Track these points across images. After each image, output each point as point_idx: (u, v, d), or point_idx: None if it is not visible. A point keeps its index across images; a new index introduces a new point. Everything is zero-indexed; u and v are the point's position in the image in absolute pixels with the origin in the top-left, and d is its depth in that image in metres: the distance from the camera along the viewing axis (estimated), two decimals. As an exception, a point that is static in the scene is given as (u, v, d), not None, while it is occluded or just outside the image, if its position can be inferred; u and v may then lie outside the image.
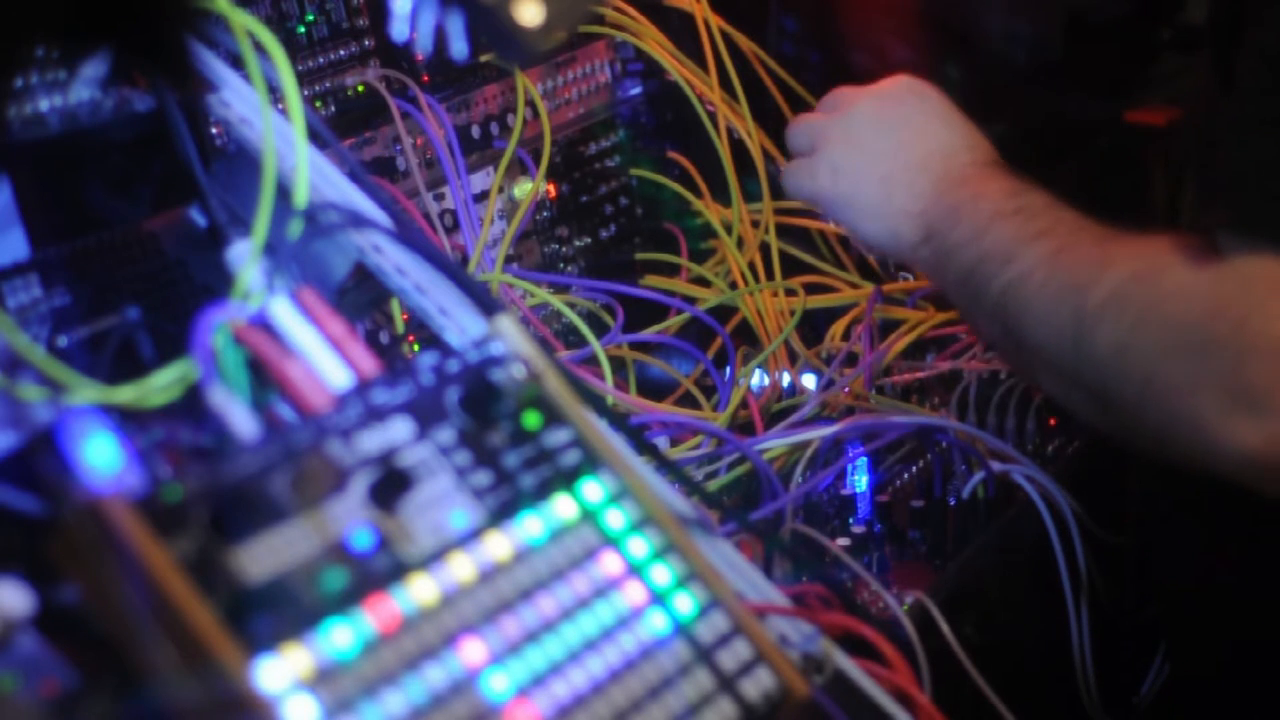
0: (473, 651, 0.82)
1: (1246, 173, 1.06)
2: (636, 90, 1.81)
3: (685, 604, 0.90)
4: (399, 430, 0.88)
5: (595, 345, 1.49)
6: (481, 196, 1.60)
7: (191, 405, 0.89)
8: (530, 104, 1.64)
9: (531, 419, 0.92)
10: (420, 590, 0.82)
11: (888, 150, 1.29)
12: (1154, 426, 1.06)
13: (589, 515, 0.91)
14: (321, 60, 1.51)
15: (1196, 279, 1.04)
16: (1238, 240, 1.03)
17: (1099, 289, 1.08)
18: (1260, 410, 1.00)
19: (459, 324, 1.04)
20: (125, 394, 0.90)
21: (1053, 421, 1.50)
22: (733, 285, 1.69)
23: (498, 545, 0.87)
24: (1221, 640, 1.31)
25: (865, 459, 1.38)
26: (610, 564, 0.89)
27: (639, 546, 0.91)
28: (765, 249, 1.72)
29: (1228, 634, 1.29)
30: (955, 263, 1.20)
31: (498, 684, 0.82)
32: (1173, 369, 1.04)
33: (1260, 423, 1.00)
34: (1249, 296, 1.02)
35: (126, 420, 0.90)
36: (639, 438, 1.03)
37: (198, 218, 1.09)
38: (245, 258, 0.95)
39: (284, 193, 1.00)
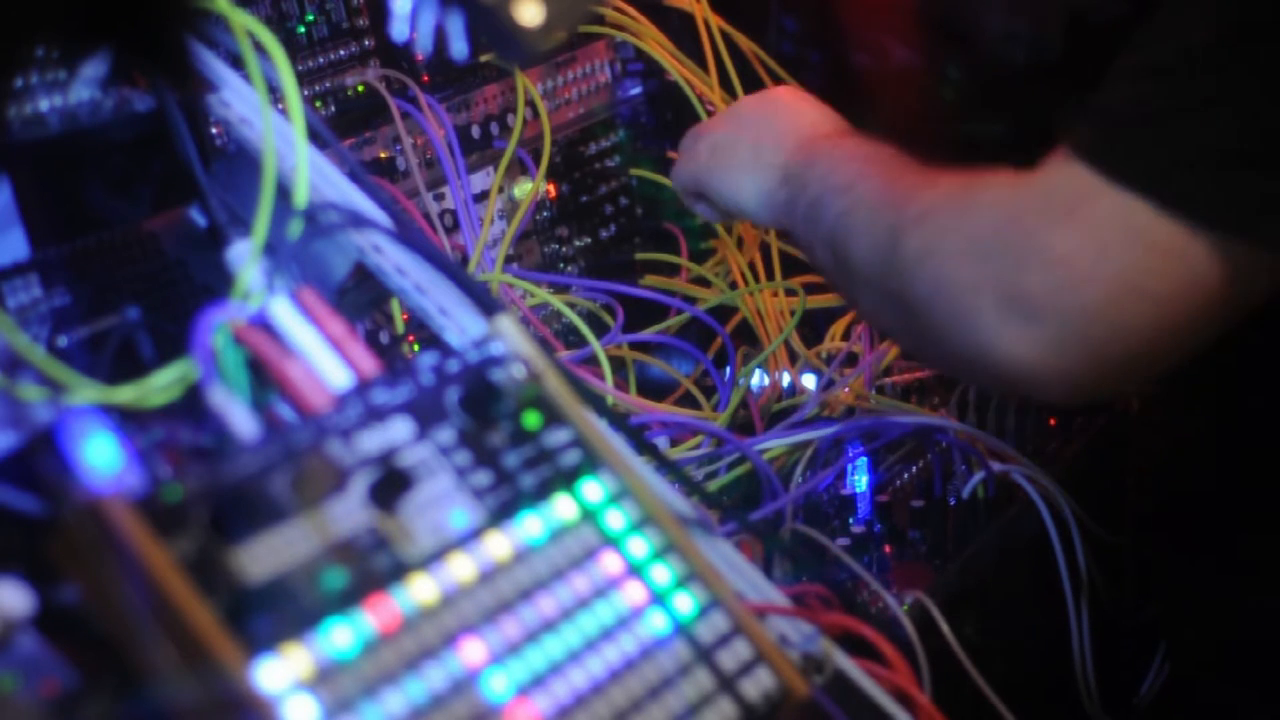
0: (473, 651, 0.82)
1: (1101, 106, 1.09)
2: (636, 90, 1.81)
3: (685, 604, 0.90)
4: (399, 430, 0.88)
5: (595, 345, 1.49)
6: (481, 196, 1.60)
7: (191, 405, 0.89)
8: (530, 104, 1.64)
9: (531, 419, 0.92)
10: (420, 590, 0.82)
11: (759, 123, 1.39)
12: (940, 328, 1.11)
13: (589, 515, 0.91)
14: (321, 60, 1.52)
15: (1006, 191, 1.10)
16: (1068, 158, 1.07)
17: (918, 202, 1.14)
18: (1032, 318, 1.05)
19: (459, 324, 1.04)
20: (125, 394, 0.90)
21: (1053, 421, 1.50)
22: (733, 285, 1.69)
23: (498, 545, 0.86)
24: (1221, 640, 1.30)
25: (865, 459, 1.38)
26: (610, 564, 0.89)
27: (639, 546, 0.91)
28: (765, 249, 1.72)
29: (1227, 634, 1.29)
30: (804, 198, 1.28)
31: (498, 684, 0.81)
32: (961, 270, 1.09)
33: (1031, 330, 1.05)
34: (1046, 212, 1.07)
35: (126, 420, 0.89)
36: (639, 438, 1.03)
37: (198, 218, 1.09)
38: (245, 258, 0.95)
39: (284, 193, 1.00)
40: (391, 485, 0.85)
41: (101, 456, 0.83)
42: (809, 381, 1.57)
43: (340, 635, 0.78)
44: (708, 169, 1.41)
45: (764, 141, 1.36)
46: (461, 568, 0.84)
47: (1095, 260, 1.04)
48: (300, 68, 1.49)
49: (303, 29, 1.50)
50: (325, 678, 0.77)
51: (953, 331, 1.10)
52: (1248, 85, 1.04)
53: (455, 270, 1.05)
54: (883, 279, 1.16)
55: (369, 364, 0.91)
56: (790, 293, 1.68)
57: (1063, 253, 1.05)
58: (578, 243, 1.72)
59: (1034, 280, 1.05)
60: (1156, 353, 1.07)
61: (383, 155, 1.52)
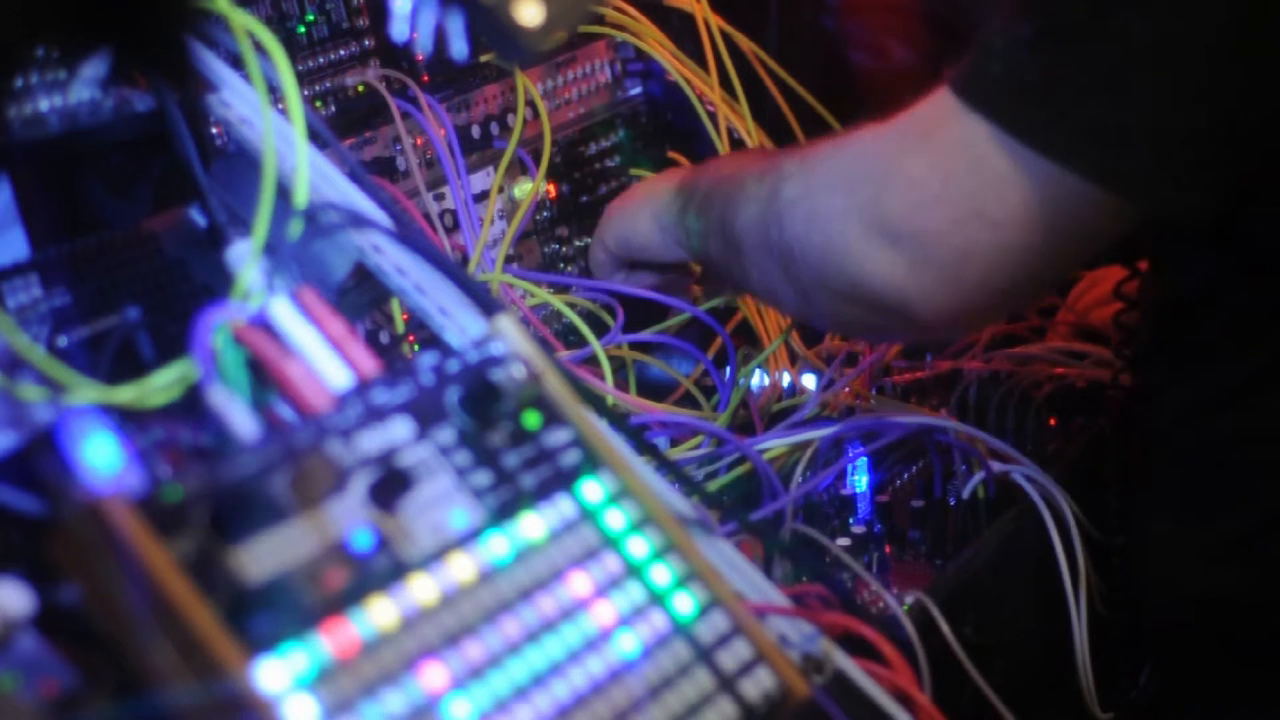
0: (472, 652, 0.82)
1: (980, 39, 1.13)
2: (636, 90, 1.81)
3: (685, 604, 0.90)
4: (399, 430, 0.88)
5: (595, 345, 1.48)
6: (481, 196, 1.60)
7: (191, 405, 0.89)
8: (530, 104, 1.64)
9: (531, 419, 0.92)
10: (420, 590, 0.82)
11: (639, 191, 1.49)
12: (816, 266, 1.18)
13: (589, 515, 0.91)
14: (321, 60, 1.51)
15: (882, 125, 1.16)
16: (947, 94, 1.13)
17: (793, 158, 1.23)
18: (893, 240, 1.12)
19: (459, 324, 1.04)
20: (125, 394, 0.90)
21: (1053, 421, 1.50)
22: (733, 285, 1.69)
23: (498, 545, 0.86)
24: (1220, 640, 1.30)
25: (865, 459, 1.38)
26: (610, 564, 0.89)
27: (639, 546, 0.91)
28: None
29: (1210, 615, 1.29)
30: (694, 202, 1.36)
31: (499, 683, 0.82)
32: (832, 201, 1.16)
33: (893, 252, 1.12)
34: (906, 138, 1.14)
35: (126, 420, 0.89)
36: (639, 438, 1.03)
37: (198, 218, 1.09)
38: (245, 258, 0.95)
39: (284, 193, 0.99)
40: (391, 485, 0.85)
41: (101, 456, 0.83)
42: (809, 381, 1.57)
43: (341, 635, 0.78)
44: (608, 233, 1.49)
45: (655, 190, 1.44)
46: (461, 568, 0.84)
47: (943, 183, 1.11)
48: (300, 68, 1.49)
49: (303, 29, 1.50)
50: (325, 677, 0.77)
51: (827, 265, 1.16)
52: (1089, 20, 1.08)
53: (455, 270, 1.05)
54: (763, 233, 1.23)
55: (369, 364, 0.91)
56: (790, 293, 1.67)
57: (916, 175, 1.12)
58: (578, 243, 1.72)
59: (892, 201, 1.12)
60: (1007, 280, 1.13)
61: (383, 155, 1.52)
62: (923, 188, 1.11)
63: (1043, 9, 1.10)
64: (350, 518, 0.83)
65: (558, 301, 1.57)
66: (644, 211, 1.44)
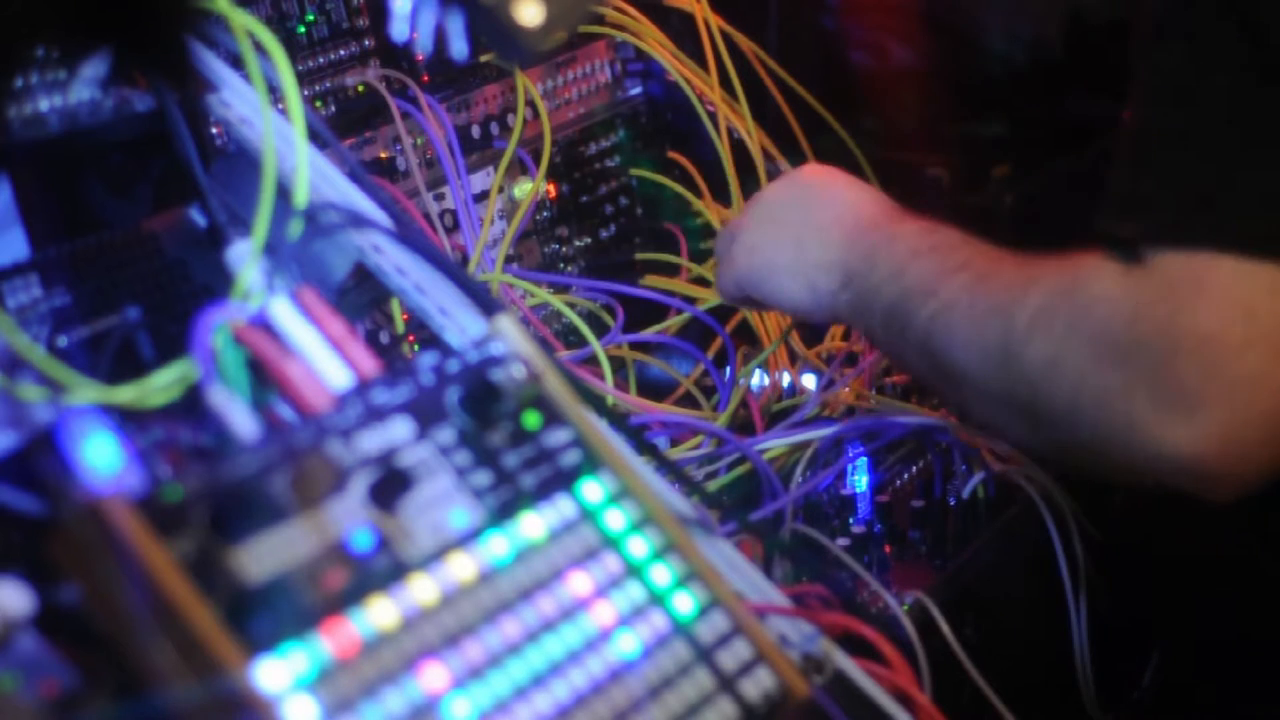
0: (473, 652, 0.82)
1: (1158, 186, 1.05)
2: (636, 90, 1.81)
3: (685, 604, 0.90)
4: (399, 430, 0.88)
5: (595, 345, 1.49)
6: (481, 196, 1.60)
7: (191, 405, 0.89)
8: (530, 104, 1.64)
9: (531, 419, 0.92)
10: (420, 590, 0.82)
11: (796, 217, 1.30)
12: (1088, 438, 1.05)
13: (589, 515, 0.91)
14: (321, 60, 1.51)
15: (1121, 286, 1.03)
16: (1155, 249, 1.02)
17: (1025, 307, 1.07)
18: (1191, 409, 1.00)
19: (459, 324, 1.04)
20: (125, 394, 0.90)
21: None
22: (733, 285, 1.69)
23: (498, 545, 0.86)
24: (1220, 640, 1.30)
25: (865, 459, 1.38)
26: (610, 564, 0.89)
27: (639, 546, 0.91)
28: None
29: (1227, 634, 1.29)
30: (878, 303, 1.20)
31: (497, 684, 0.82)
32: (1102, 376, 1.03)
33: (1192, 422, 1.00)
34: (1172, 297, 1.01)
35: (126, 420, 0.89)
36: (639, 438, 1.03)
37: (198, 218, 1.09)
38: (245, 258, 0.95)
39: (284, 193, 0.99)
40: (391, 485, 0.85)
41: (101, 456, 0.83)
42: (809, 381, 1.57)
43: (341, 635, 0.78)
44: (750, 274, 1.33)
45: (806, 238, 1.28)
46: (461, 568, 0.84)
47: (1244, 326, 1.00)
48: (300, 68, 1.49)
49: (303, 29, 1.50)
50: (325, 677, 0.77)
51: (1107, 442, 1.04)
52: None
53: (455, 270, 1.05)
54: (1004, 391, 1.10)
55: (369, 364, 0.91)
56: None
57: (1208, 330, 1.00)
58: (578, 243, 1.72)
59: (1186, 366, 1.00)
60: None
61: (383, 155, 1.52)
62: (1220, 340, 1.00)
63: (1233, 121, 1.03)
64: (350, 518, 0.83)
65: (558, 301, 1.57)
66: (798, 288, 1.28)
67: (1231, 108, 1.03)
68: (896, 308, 1.18)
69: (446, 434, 0.89)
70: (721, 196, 1.74)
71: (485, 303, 1.03)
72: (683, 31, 1.76)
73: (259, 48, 1.00)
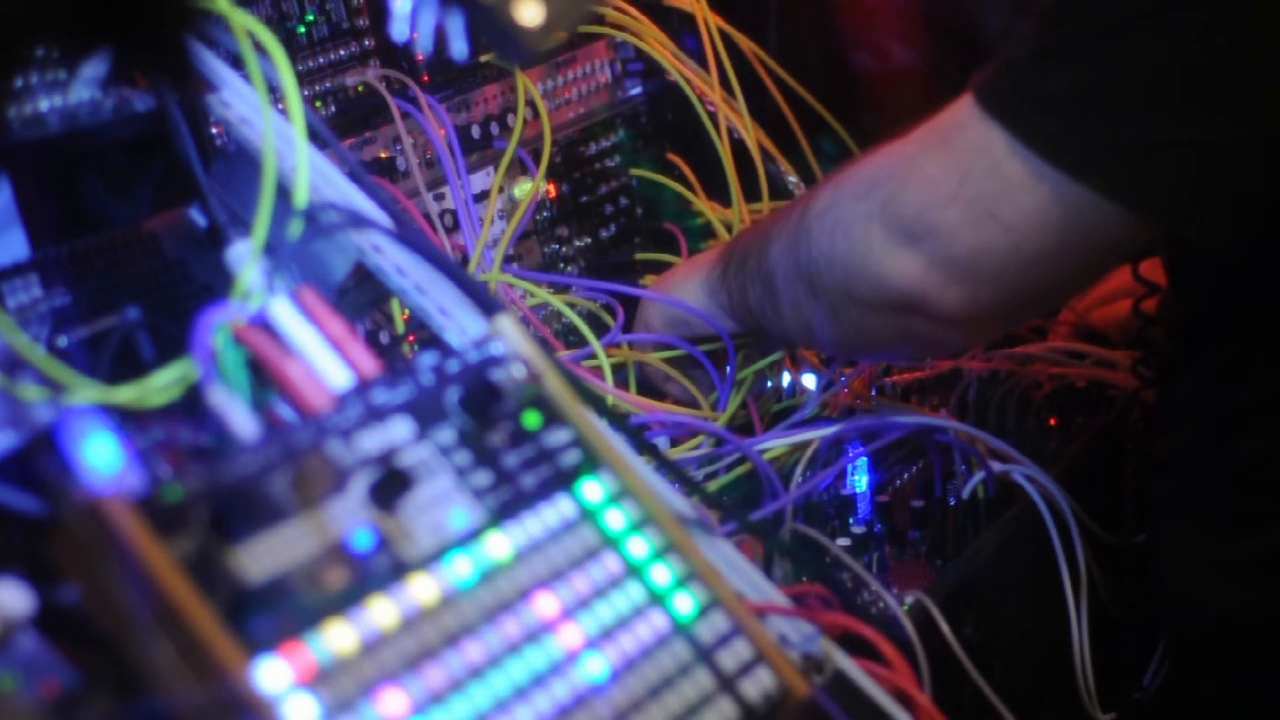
0: (472, 652, 0.82)
1: (1009, 56, 1.15)
2: (636, 90, 1.81)
3: (685, 604, 0.90)
4: (399, 430, 0.88)
5: (595, 345, 1.48)
6: (481, 196, 1.60)
7: (191, 405, 0.89)
8: (530, 104, 1.64)
9: (531, 419, 0.92)
10: (420, 590, 0.82)
11: (678, 268, 1.52)
12: (842, 275, 1.21)
13: (589, 515, 0.91)
14: (321, 60, 1.52)
15: (902, 137, 1.20)
16: (978, 108, 1.15)
17: (824, 183, 1.27)
18: (911, 237, 1.15)
19: (459, 324, 1.04)
20: (125, 394, 0.90)
21: (1053, 421, 1.50)
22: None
23: (498, 545, 0.86)
24: (1222, 639, 1.30)
25: (865, 459, 1.38)
26: (610, 564, 0.89)
27: (639, 546, 0.91)
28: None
29: (1227, 633, 1.29)
30: (733, 263, 1.37)
31: (498, 683, 0.82)
32: (854, 206, 1.19)
33: (907, 254, 1.15)
34: (926, 137, 1.17)
35: (126, 420, 0.89)
36: (639, 438, 1.03)
37: (198, 218, 1.09)
38: (245, 258, 0.95)
39: (284, 193, 0.99)
40: (391, 485, 0.85)
41: (101, 456, 0.83)
42: (809, 381, 1.57)
43: (342, 635, 0.78)
44: (650, 305, 1.47)
45: (694, 259, 1.48)
46: (461, 568, 0.84)
47: (959, 183, 1.13)
48: (300, 68, 1.49)
49: (303, 29, 1.50)
50: (325, 677, 0.77)
51: (852, 269, 1.19)
52: (1110, 37, 1.09)
53: (455, 270, 1.05)
54: (793, 256, 1.25)
55: (369, 364, 0.91)
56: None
57: (933, 175, 1.14)
58: (578, 243, 1.72)
59: (909, 200, 1.15)
60: (1020, 281, 1.15)
61: (383, 155, 1.53)
62: (938, 187, 1.14)
63: (1065, 23, 1.12)
64: (350, 518, 0.83)
65: (558, 301, 1.57)
66: (691, 281, 1.44)
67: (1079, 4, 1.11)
68: (749, 251, 1.35)
69: (446, 434, 0.89)
70: (721, 196, 1.74)
71: (485, 303, 1.03)
72: (683, 31, 1.76)
73: (259, 48, 1.00)
